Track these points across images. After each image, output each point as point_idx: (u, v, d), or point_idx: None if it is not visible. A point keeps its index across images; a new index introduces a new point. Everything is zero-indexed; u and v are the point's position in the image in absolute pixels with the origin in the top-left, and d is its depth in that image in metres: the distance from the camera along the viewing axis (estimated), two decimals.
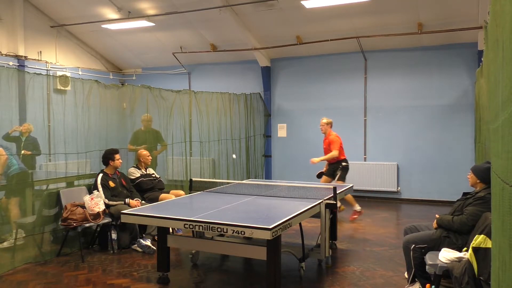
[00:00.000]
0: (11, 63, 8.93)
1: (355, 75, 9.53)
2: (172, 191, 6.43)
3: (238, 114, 9.46)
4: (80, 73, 10.50)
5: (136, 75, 11.93)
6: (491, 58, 2.57)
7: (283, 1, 8.18)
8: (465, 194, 4.06)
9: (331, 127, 7.46)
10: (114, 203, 5.68)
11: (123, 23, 9.37)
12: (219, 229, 3.74)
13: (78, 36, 10.79)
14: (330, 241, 5.36)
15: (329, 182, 7.19)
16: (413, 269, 3.97)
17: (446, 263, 3.49)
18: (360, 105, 9.51)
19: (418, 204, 8.82)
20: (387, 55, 9.26)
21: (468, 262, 2.99)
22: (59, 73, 9.33)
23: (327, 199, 4.77)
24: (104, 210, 5.50)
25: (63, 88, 8.48)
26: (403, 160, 9.14)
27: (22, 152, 6.12)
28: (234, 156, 9.14)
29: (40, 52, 9.82)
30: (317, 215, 4.70)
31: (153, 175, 6.59)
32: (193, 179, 5.65)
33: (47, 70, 9.73)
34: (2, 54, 8.92)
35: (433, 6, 7.83)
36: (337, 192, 4.94)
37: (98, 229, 5.73)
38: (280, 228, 3.63)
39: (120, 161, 6.06)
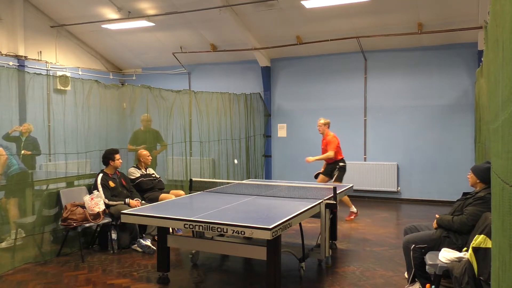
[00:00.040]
0: (11, 63, 8.93)
1: (355, 75, 9.53)
2: (172, 191, 6.43)
3: (238, 114, 9.46)
4: (80, 73, 10.50)
5: (136, 75, 11.93)
6: (491, 58, 2.57)
7: (283, 1, 8.18)
8: (465, 194, 4.06)
9: (328, 127, 7.46)
10: (114, 203, 5.69)
11: (123, 23, 9.37)
12: (219, 229, 3.74)
13: (78, 36, 10.79)
14: (330, 241, 5.36)
15: (326, 182, 7.21)
16: (413, 269, 3.97)
17: (446, 263, 3.49)
18: (360, 105, 9.51)
19: (418, 204, 8.81)
20: (387, 55, 9.26)
21: (468, 262, 2.99)
22: (59, 73, 9.33)
23: (327, 199, 4.77)
24: (104, 210, 5.50)
25: (63, 88, 8.48)
26: (403, 160, 9.14)
27: (22, 152, 6.12)
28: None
29: (40, 52, 9.82)
30: (317, 215, 4.70)
31: (153, 175, 6.59)
32: (193, 179, 5.65)
33: (47, 70, 9.72)
34: (2, 54, 8.92)
35: (433, 6, 7.83)
36: (337, 192, 4.95)
37: (98, 229, 5.73)
38: (280, 228, 3.63)
39: (120, 161, 6.06)
